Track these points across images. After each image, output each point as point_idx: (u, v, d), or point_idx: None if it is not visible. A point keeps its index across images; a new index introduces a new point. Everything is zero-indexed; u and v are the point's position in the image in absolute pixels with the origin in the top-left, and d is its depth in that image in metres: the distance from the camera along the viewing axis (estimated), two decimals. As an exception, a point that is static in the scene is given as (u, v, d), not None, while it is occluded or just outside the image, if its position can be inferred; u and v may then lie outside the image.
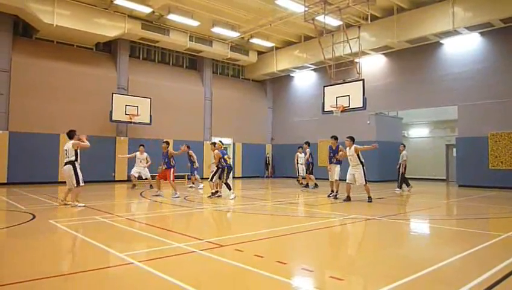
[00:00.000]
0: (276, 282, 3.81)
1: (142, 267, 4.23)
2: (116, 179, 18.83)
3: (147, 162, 15.31)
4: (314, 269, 4.40)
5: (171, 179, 11.87)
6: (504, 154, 15.74)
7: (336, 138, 12.44)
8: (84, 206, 9.07)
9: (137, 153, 15.31)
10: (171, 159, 12.01)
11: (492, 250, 5.30)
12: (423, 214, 9.18)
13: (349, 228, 7.09)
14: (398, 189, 14.58)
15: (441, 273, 4.21)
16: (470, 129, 16.85)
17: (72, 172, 9.13)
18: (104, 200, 11.12)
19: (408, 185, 14.83)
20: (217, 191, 11.95)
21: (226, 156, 11.91)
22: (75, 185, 9.14)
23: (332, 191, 12.05)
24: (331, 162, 12.28)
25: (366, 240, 6.46)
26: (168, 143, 12.31)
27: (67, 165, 9.21)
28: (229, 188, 11.68)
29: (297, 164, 17.53)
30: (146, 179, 15.36)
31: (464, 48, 17.24)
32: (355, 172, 10.92)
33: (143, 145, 15.53)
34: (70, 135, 9.38)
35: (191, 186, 15.60)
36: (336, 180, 11.89)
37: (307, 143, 16.41)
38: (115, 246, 5.37)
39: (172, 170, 11.97)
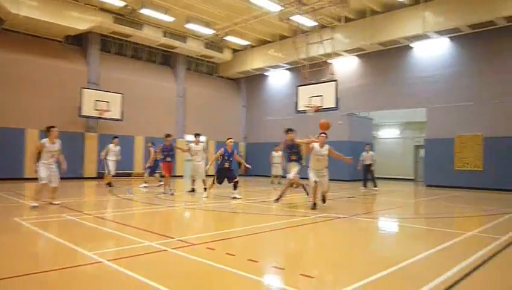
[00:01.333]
0: (248, 280, 3.81)
1: (112, 266, 4.14)
2: (84, 175, 18.36)
3: (117, 156, 14.28)
4: (285, 267, 4.43)
5: (170, 173, 12.14)
6: (469, 156, 16.34)
7: (291, 130, 10.11)
8: (36, 206, 8.25)
9: (111, 145, 14.15)
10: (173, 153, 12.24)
11: (457, 248, 5.50)
12: (392, 213, 9.41)
13: (320, 227, 7.18)
14: (375, 187, 15.08)
15: (408, 270, 4.33)
16: (438, 131, 17.40)
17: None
18: (71, 198, 10.81)
19: (366, 185, 15.38)
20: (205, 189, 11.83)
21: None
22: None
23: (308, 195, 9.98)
24: (290, 161, 10.23)
25: (336, 238, 6.56)
26: (171, 136, 12.32)
27: None
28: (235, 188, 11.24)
29: (272, 163, 17.59)
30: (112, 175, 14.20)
31: (433, 51, 17.76)
32: (323, 178, 8.87)
33: (117, 137, 14.58)
34: (46, 131, 8.76)
35: (159, 185, 14.71)
36: (291, 179, 10.08)
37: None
38: (84, 244, 5.23)
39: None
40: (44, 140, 8.67)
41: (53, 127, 8.75)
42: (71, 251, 4.88)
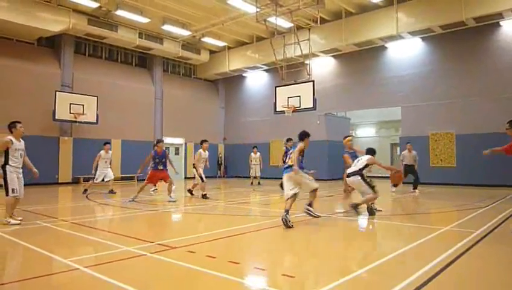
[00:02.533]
0: (229, 282, 3.80)
1: (89, 273, 4.05)
2: (59, 181, 17.91)
3: (111, 163, 13.62)
4: (266, 268, 4.44)
5: (170, 178, 11.12)
6: (443, 152, 16.78)
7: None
8: (19, 223, 7.02)
9: (102, 152, 13.35)
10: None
11: (433, 243, 5.62)
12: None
13: (299, 226, 7.21)
14: (415, 189, 13.27)
15: (386, 266, 4.40)
16: (413, 129, 17.80)
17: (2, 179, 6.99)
18: (46, 204, 10.53)
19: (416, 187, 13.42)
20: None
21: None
22: (6, 195, 7.01)
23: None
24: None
25: (316, 237, 6.61)
26: (163, 141, 11.40)
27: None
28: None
29: (251, 164, 17.57)
30: (109, 180, 13.38)
31: (406, 52, 18.18)
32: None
33: (109, 143, 13.93)
34: (9, 128, 7.27)
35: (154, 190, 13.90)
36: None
37: (290, 139, 14.35)
38: (59, 251, 5.10)
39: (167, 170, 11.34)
40: (10, 136, 7.17)
41: (18, 122, 7.32)
42: (46, 258, 4.75)
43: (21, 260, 4.94)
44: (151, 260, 4.63)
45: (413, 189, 13.17)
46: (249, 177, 18.10)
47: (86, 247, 5.59)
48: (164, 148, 11.32)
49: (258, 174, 17.51)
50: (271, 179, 20.94)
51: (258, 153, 17.31)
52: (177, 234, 6.94)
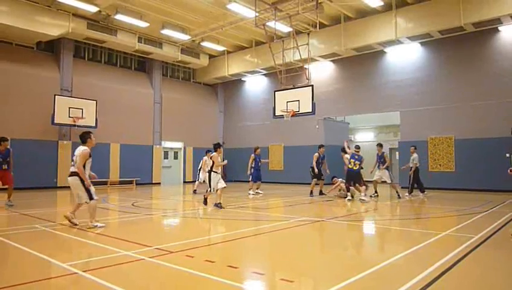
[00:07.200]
0: (228, 287, 3.78)
1: (87, 277, 4.03)
2: (58, 185, 17.87)
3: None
4: (265, 272, 4.42)
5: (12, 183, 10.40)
6: (442, 157, 16.79)
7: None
8: (104, 226, 7.28)
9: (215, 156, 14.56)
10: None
11: (432, 248, 5.61)
12: (368, 215, 9.54)
13: (298, 231, 7.20)
14: (408, 195, 13.58)
15: (385, 271, 4.39)
16: (411, 134, 17.81)
17: (81, 185, 7.18)
18: (45, 208, 10.49)
19: (423, 190, 13.80)
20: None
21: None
22: (88, 201, 7.21)
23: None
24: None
25: (315, 241, 6.60)
26: (7, 139, 10.48)
27: (72, 177, 7.20)
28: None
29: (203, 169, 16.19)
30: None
31: (405, 56, 18.23)
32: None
33: (210, 151, 14.65)
34: (83, 138, 7.41)
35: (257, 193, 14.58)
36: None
37: (322, 146, 14.94)
38: (57, 255, 5.07)
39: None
40: (87, 147, 7.44)
41: (91, 133, 7.63)
42: (44, 262, 4.73)
43: (19, 264, 4.91)
44: (149, 264, 4.60)
45: (410, 193, 13.72)
46: (197, 181, 15.56)
47: (84, 251, 5.57)
48: (8, 147, 10.37)
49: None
50: (271, 183, 20.94)
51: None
52: (176, 238, 6.91)
